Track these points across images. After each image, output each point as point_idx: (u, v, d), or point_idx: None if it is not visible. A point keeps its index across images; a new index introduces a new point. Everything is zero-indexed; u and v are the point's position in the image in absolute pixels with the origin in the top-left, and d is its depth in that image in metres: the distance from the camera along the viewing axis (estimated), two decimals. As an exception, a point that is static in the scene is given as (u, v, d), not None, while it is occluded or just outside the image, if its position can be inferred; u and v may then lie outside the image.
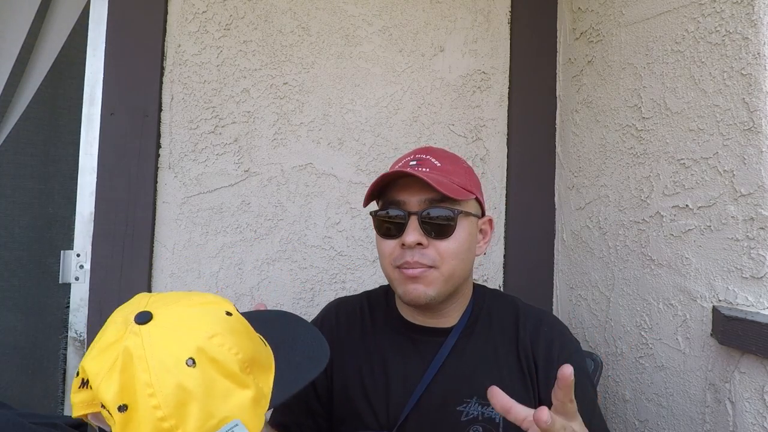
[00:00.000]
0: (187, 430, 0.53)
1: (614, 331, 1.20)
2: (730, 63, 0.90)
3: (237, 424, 0.56)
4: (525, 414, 0.58)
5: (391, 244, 0.86)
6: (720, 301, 0.91)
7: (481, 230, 0.92)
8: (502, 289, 1.45)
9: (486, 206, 0.95)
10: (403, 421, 0.86)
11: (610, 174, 1.23)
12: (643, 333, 1.11)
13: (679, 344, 1.01)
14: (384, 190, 0.87)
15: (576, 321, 1.35)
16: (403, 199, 0.85)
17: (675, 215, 1.02)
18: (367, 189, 0.87)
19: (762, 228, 0.83)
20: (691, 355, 0.98)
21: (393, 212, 0.85)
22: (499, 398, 0.58)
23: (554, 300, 1.46)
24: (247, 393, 0.58)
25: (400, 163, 0.89)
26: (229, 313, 0.63)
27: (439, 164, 0.86)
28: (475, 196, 0.88)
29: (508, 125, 1.48)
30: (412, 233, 0.82)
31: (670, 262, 1.03)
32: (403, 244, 0.83)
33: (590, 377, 0.96)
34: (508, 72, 1.49)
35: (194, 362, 0.55)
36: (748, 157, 0.86)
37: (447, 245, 0.83)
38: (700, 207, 0.96)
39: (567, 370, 0.58)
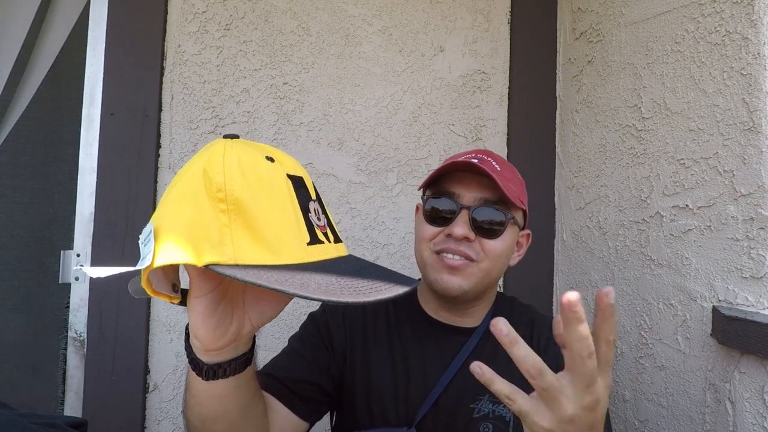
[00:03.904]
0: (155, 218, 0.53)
1: (614, 331, 1.20)
2: (730, 63, 0.90)
3: (151, 231, 0.51)
4: (509, 389, 0.52)
5: (434, 230, 0.87)
6: (720, 301, 0.91)
7: (517, 242, 0.94)
8: (501, 289, 1.45)
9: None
10: (421, 418, 0.87)
11: (610, 174, 1.23)
12: (643, 333, 1.11)
13: (679, 344, 1.01)
14: (439, 179, 0.89)
15: (576, 321, 1.35)
16: (457, 191, 0.86)
17: (675, 215, 1.02)
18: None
19: (762, 228, 0.83)
20: (691, 355, 0.98)
21: (446, 202, 0.86)
22: (483, 371, 0.52)
23: (554, 300, 1.46)
24: (193, 212, 0.50)
25: (460, 158, 0.89)
26: (270, 159, 0.55)
27: (499, 169, 0.87)
28: (523, 209, 0.91)
29: (508, 125, 1.48)
30: (462, 226, 0.84)
31: (670, 262, 1.03)
32: (449, 235, 0.85)
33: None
34: (508, 72, 1.49)
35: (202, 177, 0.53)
36: (748, 157, 0.86)
37: (494, 244, 0.85)
38: (700, 207, 0.96)
39: (604, 291, 0.49)
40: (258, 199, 0.51)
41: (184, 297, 0.58)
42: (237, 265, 0.49)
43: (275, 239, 0.51)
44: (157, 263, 0.48)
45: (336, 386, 0.91)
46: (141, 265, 0.50)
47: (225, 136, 0.56)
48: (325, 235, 0.57)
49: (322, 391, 0.88)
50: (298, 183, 0.56)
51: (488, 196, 0.85)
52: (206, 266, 0.49)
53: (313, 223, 0.55)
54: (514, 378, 0.92)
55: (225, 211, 0.50)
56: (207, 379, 0.59)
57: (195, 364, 0.59)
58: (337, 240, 0.59)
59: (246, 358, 0.62)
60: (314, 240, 0.54)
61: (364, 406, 0.90)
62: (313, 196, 0.58)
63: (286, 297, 0.59)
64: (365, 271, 0.56)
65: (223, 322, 0.57)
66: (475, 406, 0.87)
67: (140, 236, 0.52)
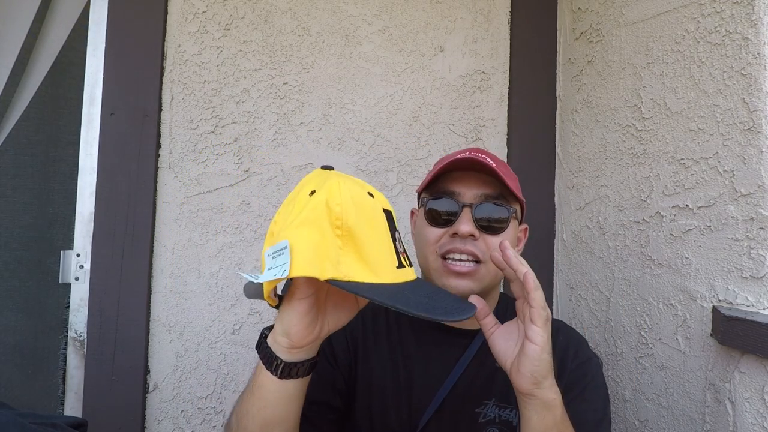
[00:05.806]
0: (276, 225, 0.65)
1: (614, 331, 1.20)
2: (730, 63, 0.90)
3: (286, 246, 0.60)
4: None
5: (438, 232, 0.86)
6: (720, 301, 0.91)
7: (517, 237, 0.93)
8: (501, 289, 1.45)
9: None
10: (425, 424, 0.85)
11: (610, 174, 1.23)
12: (643, 333, 1.11)
13: (679, 344, 1.01)
14: (436, 180, 0.88)
15: (576, 321, 1.35)
16: (458, 190, 0.86)
17: (675, 215, 1.02)
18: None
19: (762, 228, 0.83)
20: (691, 355, 0.98)
21: (447, 202, 0.86)
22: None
23: (554, 300, 1.46)
24: (317, 235, 0.61)
25: (456, 157, 0.88)
26: (371, 195, 0.67)
27: (494, 164, 0.87)
28: (521, 201, 0.90)
29: (508, 125, 1.48)
30: (467, 224, 0.83)
31: (670, 262, 1.03)
32: (454, 234, 0.84)
33: (604, 391, 0.89)
34: (508, 72, 1.49)
35: (314, 193, 0.64)
36: (748, 157, 0.86)
37: (497, 241, 0.83)
38: (700, 207, 0.96)
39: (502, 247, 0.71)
40: (364, 227, 0.63)
41: (279, 301, 0.68)
42: (351, 282, 0.60)
43: (375, 261, 0.63)
44: (293, 274, 0.58)
45: (344, 399, 0.90)
46: (277, 274, 0.59)
47: (323, 167, 0.69)
48: (405, 260, 0.69)
49: (330, 409, 0.87)
50: (389, 216, 0.68)
51: (489, 192, 0.85)
52: (327, 280, 0.59)
53: (398, 250, 0.67)
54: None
55: (340, 236, 0.62)
56: (282, 377, 0.67)
57: (271, 362, 0.67)
58: (410, 264, 0.70)
59: (314, 362, 0.70)
60: (400, 264, 0.67)
61: (366, 413, 0.88)
62: (397, 227, 0.69)
63: (357, 306, 0.71)
64: (439, 291, 0.71)
65: (313, 322, 0.67)
66: (480, 410, 0.85)
67: (267, 249, 0.63)
